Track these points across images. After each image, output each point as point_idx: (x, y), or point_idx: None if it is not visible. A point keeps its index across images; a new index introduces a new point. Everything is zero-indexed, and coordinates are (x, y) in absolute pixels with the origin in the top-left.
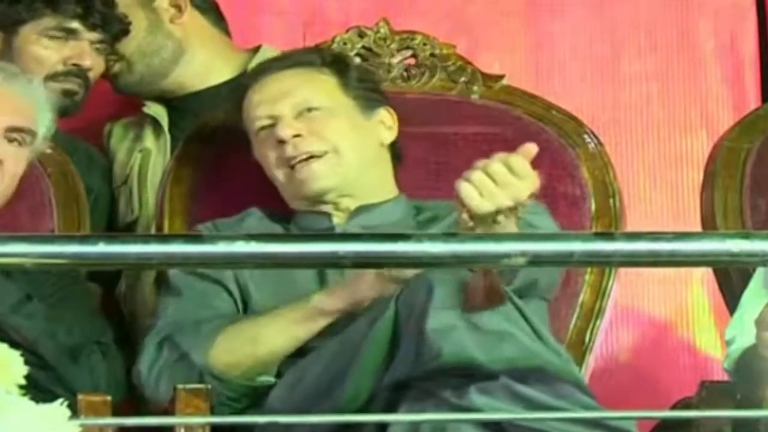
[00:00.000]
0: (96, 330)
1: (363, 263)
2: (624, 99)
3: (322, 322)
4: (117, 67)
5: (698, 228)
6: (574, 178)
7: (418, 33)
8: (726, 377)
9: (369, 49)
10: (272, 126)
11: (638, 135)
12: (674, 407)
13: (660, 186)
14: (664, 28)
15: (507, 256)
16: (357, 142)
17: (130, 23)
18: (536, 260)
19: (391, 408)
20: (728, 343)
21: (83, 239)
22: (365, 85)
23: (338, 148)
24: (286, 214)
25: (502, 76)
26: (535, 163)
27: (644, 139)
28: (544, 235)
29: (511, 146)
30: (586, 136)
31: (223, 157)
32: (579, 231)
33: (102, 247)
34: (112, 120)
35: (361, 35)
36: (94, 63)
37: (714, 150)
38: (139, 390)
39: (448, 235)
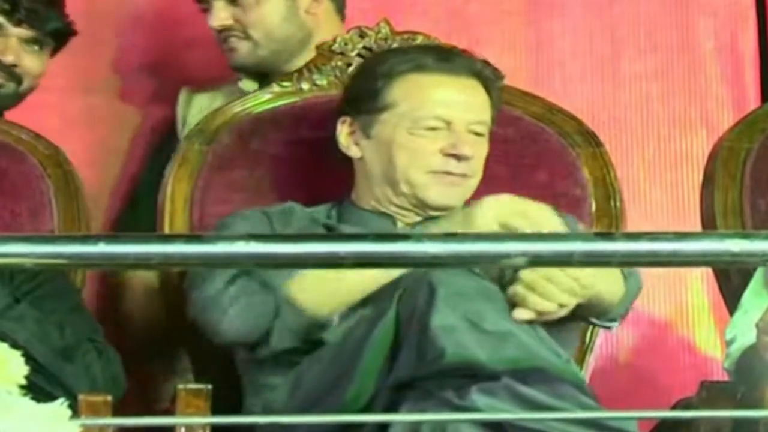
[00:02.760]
0: (88, 327)
1: (364, 263)
2: (624, 98)
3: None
4: (241, 45)
5: (698, 228)
6: (575, 178)
7: (419, 33)
8: (726, 377)
9: (370, 50)
10: (442, 130)
11: (638, 134)
12: (674, 407)
13: (660, 186)
14: (664, 28)
15: (507, 256)
16: (482, 170)
17: (70, 22)
18: (536, 260)
19: (392, 408)
20: (728, 343)
21: (83, 239)
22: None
23: (476, 174)
24: (323, 206)
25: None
26: (536, 164)
27: (644, 138)
28: (544, 235)
29: (512, 146)
30: (586, 136)
31: (225, 156)
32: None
33: (102, 247)
34: (190, 87)
35: (362, 35)
36: (22, 59)
37: (714, 150)
38: (204, 327)
39: (448, 235)
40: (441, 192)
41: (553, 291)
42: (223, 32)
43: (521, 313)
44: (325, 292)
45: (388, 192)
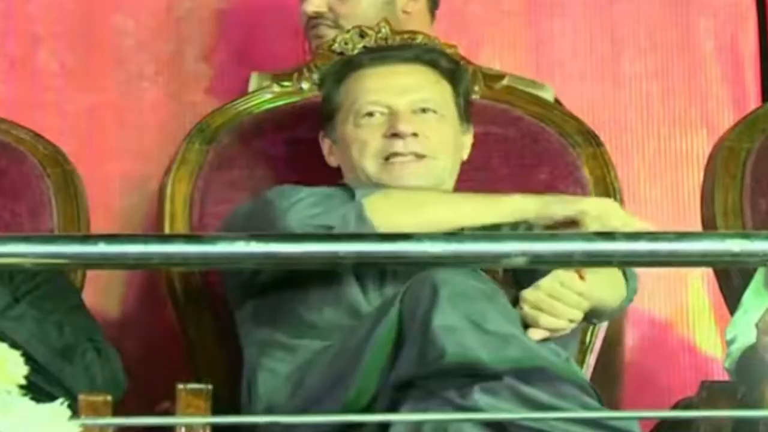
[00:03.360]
0: (87, 327)
1: (364, 263)
2: (624, 98)
3: (493, 218)
4: (330, 34)
5: (698, 228)
6: (575, 177)
7: (419, 33)
8: (726, 377)
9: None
10: (384, 115)
11: (638, 134)
12: (675, 407)
13: (660, 186)
14: (664, 28)
15: (507, 256)
16: (453, 153)
17: None
18: (536, 260)
19: (394, 408)
20: (729, 343)
21: (83, 239)
22: (468, 99)
23: (439, 155)
24: None
25: (503, 76)
26: (536, 163)
27: (644, 138)
28: (544, 235)
29: (512, 146)
30: (586, 136)
31: (225, 155)
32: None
33: (102, 247)
34: (260, 72)
35: (363, 35)
36: None
37: (714, 149)
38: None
39: (448, 235)
40: (395, 174)
41: (560, 308)
42: (314, 19)
43: (535, 333)
44: (399, 221)
45: (362, 187)
